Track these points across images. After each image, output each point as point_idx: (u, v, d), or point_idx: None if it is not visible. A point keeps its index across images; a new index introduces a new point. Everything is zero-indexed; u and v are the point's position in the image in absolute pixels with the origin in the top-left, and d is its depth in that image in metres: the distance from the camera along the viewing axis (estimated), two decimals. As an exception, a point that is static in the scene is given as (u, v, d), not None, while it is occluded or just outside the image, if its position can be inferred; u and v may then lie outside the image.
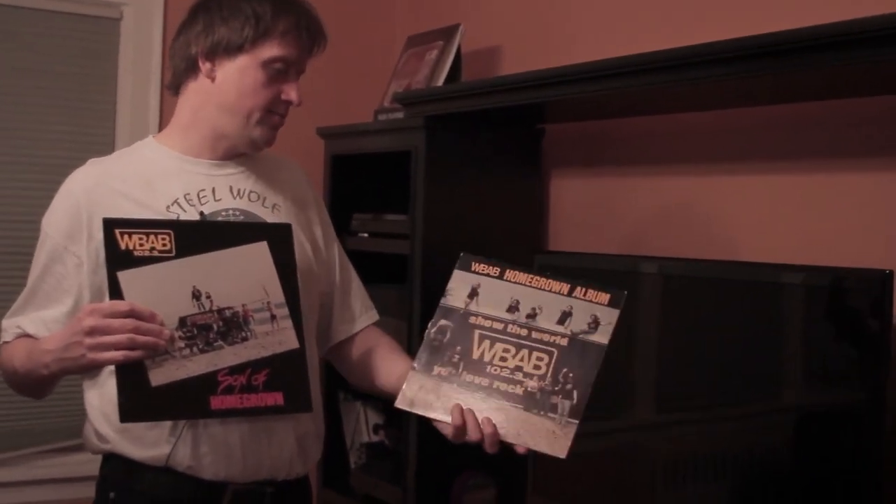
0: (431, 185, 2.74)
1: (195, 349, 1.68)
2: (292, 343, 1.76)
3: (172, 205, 1.87)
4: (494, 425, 1.71)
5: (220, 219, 1.90)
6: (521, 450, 1.73)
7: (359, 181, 3.24)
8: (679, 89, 2.12)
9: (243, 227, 1.85)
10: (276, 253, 1.76)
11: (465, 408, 1.72)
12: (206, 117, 1.90)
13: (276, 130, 1.94)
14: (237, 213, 1.93)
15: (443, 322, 1.78)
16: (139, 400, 1.66)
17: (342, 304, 2.13)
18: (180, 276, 1.68)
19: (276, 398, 1.74)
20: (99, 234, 1.82)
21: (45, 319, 1.86)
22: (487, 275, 1.78)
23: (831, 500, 1.84)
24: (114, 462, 1.88)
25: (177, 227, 1.72)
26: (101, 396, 1.86)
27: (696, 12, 2.46)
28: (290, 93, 1.89)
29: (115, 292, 1.64)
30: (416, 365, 1.76)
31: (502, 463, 2.78)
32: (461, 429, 1.72)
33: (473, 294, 1.78)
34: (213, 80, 1.88)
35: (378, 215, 3.04)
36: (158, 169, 1.91)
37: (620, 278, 2.29)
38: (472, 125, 2.80)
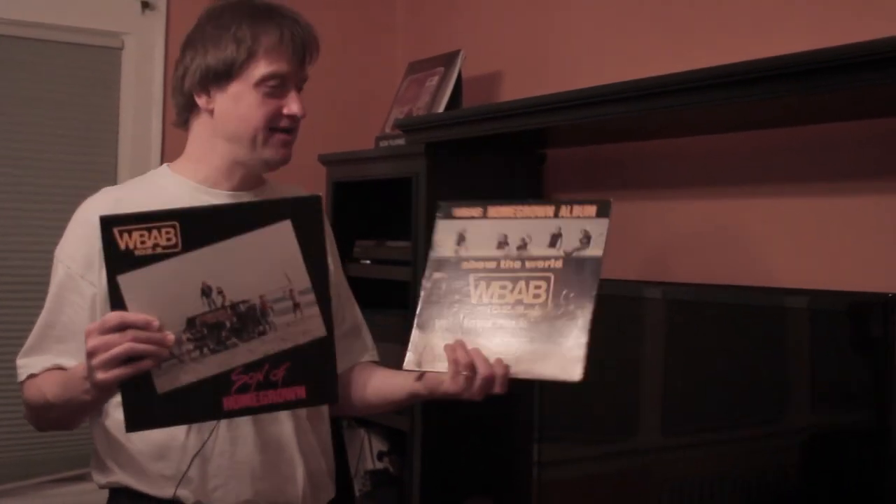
0: (433, 211, 2.73)
1: (205, 350, 1.55)
2: (318, 331, 1.60)
3: None
4: (503, 362, 1.64)
5: None
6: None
7: (361, 208, 3.25)
8: (679, 114, 2.12)
9: (262, 206, 1.64)
10: (301, 231, 1.57)
11: (465, 343, 1.65)
12: (215, 149, 1.88)
13: (289, 147, 1.89)
14: None
15: (437, 275, 1.72)
16: (144, 408, 1.55)
17: (346, 338, 2.09)
18: (187, 272, 1.53)
19: (297, 392, 1.60)
20: None
21: (72, 351, 1.81)
22: (471, 217, 1.72)
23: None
24: (120, 496, 1.86)
25: (182, 216, 1.54)
26: (106, 428, 1.85)
27: (696, 37, 2.47)
28: (292, 105, 1.85)
29: (116, 298, 1.52)
30: (417, 324, 1.70)
31: (507, 489, 2.78)
32: (458, 365, 1.65)
33: (461, 240, 1.72)
34: (211, 112, 1.86)
35: (380, 242, 3.04)
36: (175, 199, 1.86)
37: (625, 303, 2.29)
38: (474, 151, 2.80)
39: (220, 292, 1.55)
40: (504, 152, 2.86)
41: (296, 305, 1.58)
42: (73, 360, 1.80)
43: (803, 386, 1.96)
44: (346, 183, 3.21)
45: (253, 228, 1.56)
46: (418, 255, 2.74)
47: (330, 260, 2.04)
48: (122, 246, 1.51)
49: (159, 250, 1.52)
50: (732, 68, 1.92)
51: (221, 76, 1.83)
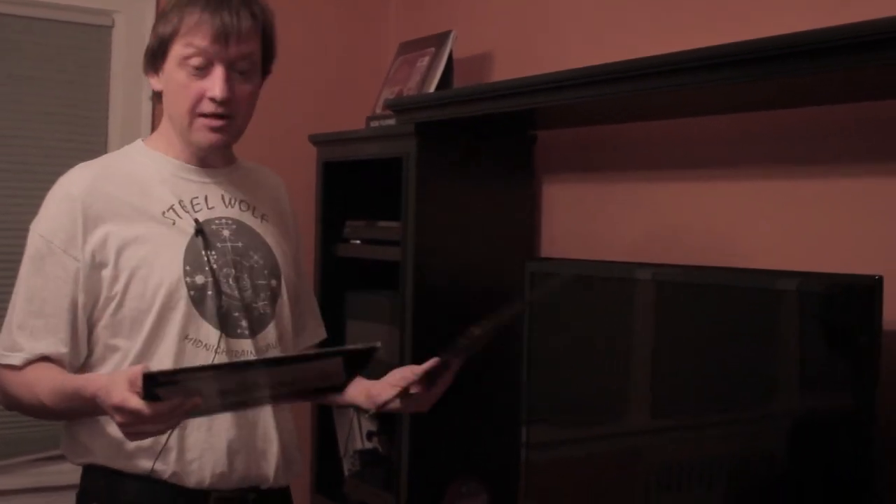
0: (423, 191, 2.74)
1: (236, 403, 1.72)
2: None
3: (168, 211, 1.88)
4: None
5: (213, 227, 1.90)
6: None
7: (351, 188, 3.24)
8: (671, 95, 2.12)
9: (317, 356, 1.81)
10: (350, 364, 1.75)
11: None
12: (171, 128, 1.93)
13: (221, 132, 1.88)
14: (230, 221, 1.93)
15: None
16: None
17: (304, 316, 2.15)
18: (229, 378, 1.64)
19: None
20: (93, 238, 1.82)
21: (50, 327, 1.83)
22: None
23: (823, 505, 1.85)
24: (95, 473, 1.87)
25: (231, 369, 1.68)
26: None
27: (688, 17, 2.47)
28: (214, 88, 1.83)
29: (152, 397, 1.55)
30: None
31: (496, 469, 2.79)
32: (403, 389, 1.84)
33: None
34: (160, 92, 1.91)
35: (370, 222, 3.04)
36: (152, 174, 1.91)
37: (614, 285, 2.29)
38: (464, 132, 2.80)
39: (264, 382, 1.69)
40: (494, 133, 2.85)
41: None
42: (51, 341, 1.82)
43: (791, 368, 1.97)
44: (337, 163, 3.20)
45: (304, 362, 1.74)
46: (408, 236, 2.74)
47: (293, 242, 2.08)
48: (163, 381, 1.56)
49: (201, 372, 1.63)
50: (723, 49, 1.92)
51: (157, 56, 1.88)
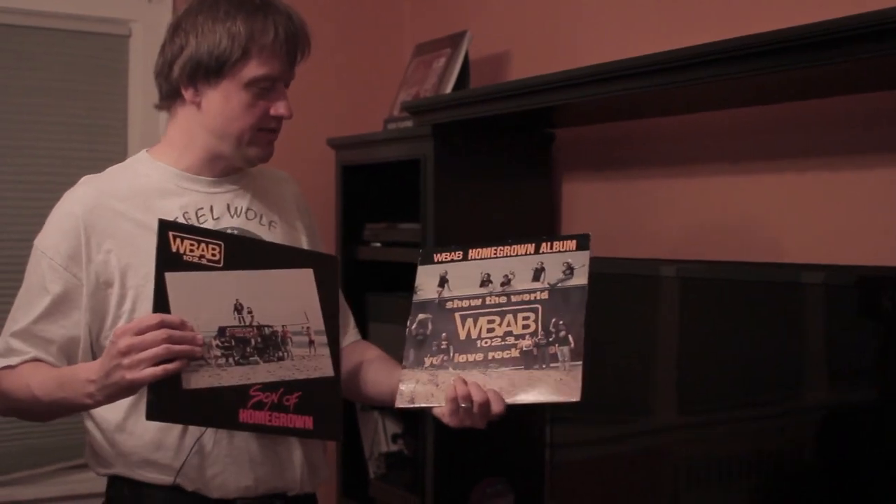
0: (441, 192, 2.73)
1: (230, 360, 1.67)
2: (327, 371, 1.79)
3: None
4: (494, 390, 1.66)
5: None
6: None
7: (370, 191, 3.24)
8: (689, 89, 2.11)
9: (291, 251, 1.88)
10: (320, 281, 1.80)
11: (463, 379, 1.68)
12: (198, 140, 1.87)
13: (272, 145, 1.90)
14: (235, 231, 1.92)
15: (421, 316, 1.77)
16: (169, 400, 1.62)
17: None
18: (225, 287, 1.69)
19: (305, 421, 1.75)
20: (97, 256, 1.81)
21: (48, 339, 1.82)
22: (452, 260, 1.79)
23: (854, 499, 1.83)
24: (119, 484, 1.86)
25: (228, 239, 1.74)
26: (98, 426, 1.85)
27: (705, 11, 2.45)
28: (280, 108, 1.84)
29: (160, 293, 1.62)
30: (405, 363, 1.75)
31: (521, 470, 2.78)
32: (455, 400, 1.66)
33: (443, 282, 1.78)
34: (198, 105, 1.84)
35: (390, 224, 3.04)
36: (156, 187, 1.87)
37: (638, 282, 2.28)
38: (481, 132, 2.79)
39: (249, 312, 1.72)
40: (512, 132, 2.84)
41: (311, 342, 1.78)
42: (43, 351, 1.82)
43: (818, 361, 1.95)
44: (356, 166, 3.20)
45: (283, 266, 1.78)
46: (428, 237, 2.74)
47: (304, 238, 2.04)
48: (174, 248, 1.66)
49: (204, 261, 1.69)
50: (742, 41, 1.91)
51: (211, 72, 1.81)
